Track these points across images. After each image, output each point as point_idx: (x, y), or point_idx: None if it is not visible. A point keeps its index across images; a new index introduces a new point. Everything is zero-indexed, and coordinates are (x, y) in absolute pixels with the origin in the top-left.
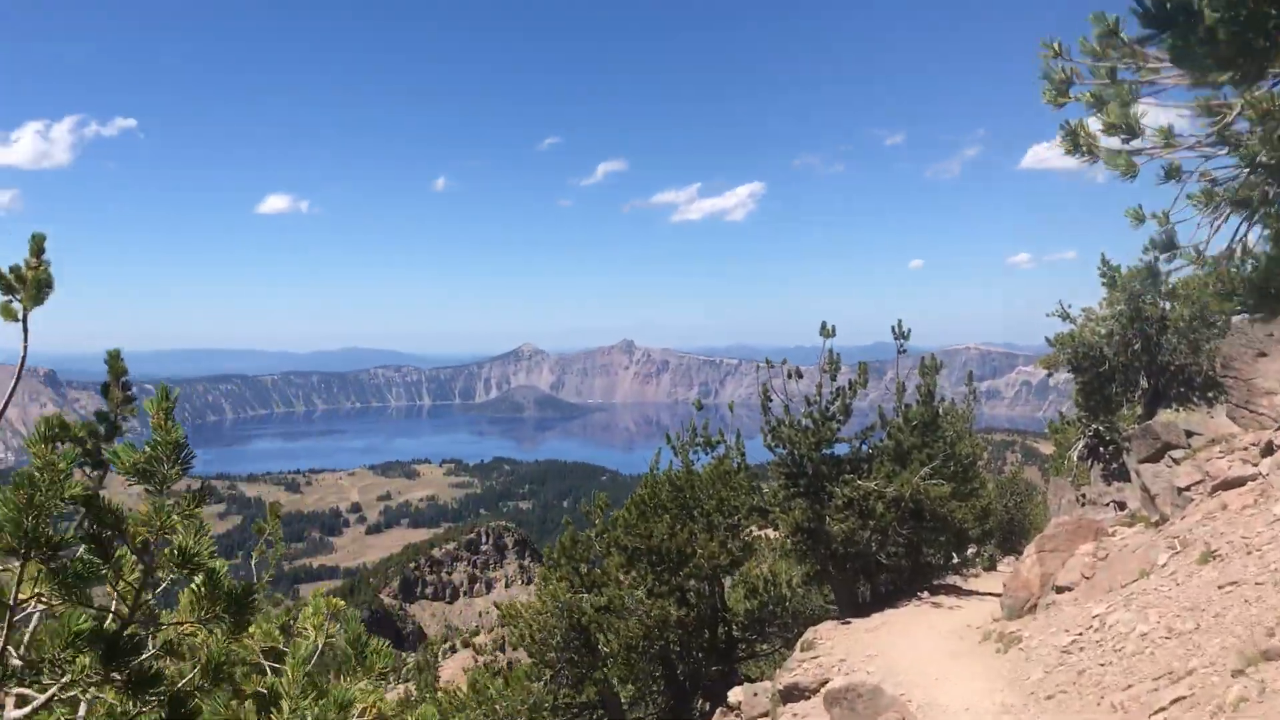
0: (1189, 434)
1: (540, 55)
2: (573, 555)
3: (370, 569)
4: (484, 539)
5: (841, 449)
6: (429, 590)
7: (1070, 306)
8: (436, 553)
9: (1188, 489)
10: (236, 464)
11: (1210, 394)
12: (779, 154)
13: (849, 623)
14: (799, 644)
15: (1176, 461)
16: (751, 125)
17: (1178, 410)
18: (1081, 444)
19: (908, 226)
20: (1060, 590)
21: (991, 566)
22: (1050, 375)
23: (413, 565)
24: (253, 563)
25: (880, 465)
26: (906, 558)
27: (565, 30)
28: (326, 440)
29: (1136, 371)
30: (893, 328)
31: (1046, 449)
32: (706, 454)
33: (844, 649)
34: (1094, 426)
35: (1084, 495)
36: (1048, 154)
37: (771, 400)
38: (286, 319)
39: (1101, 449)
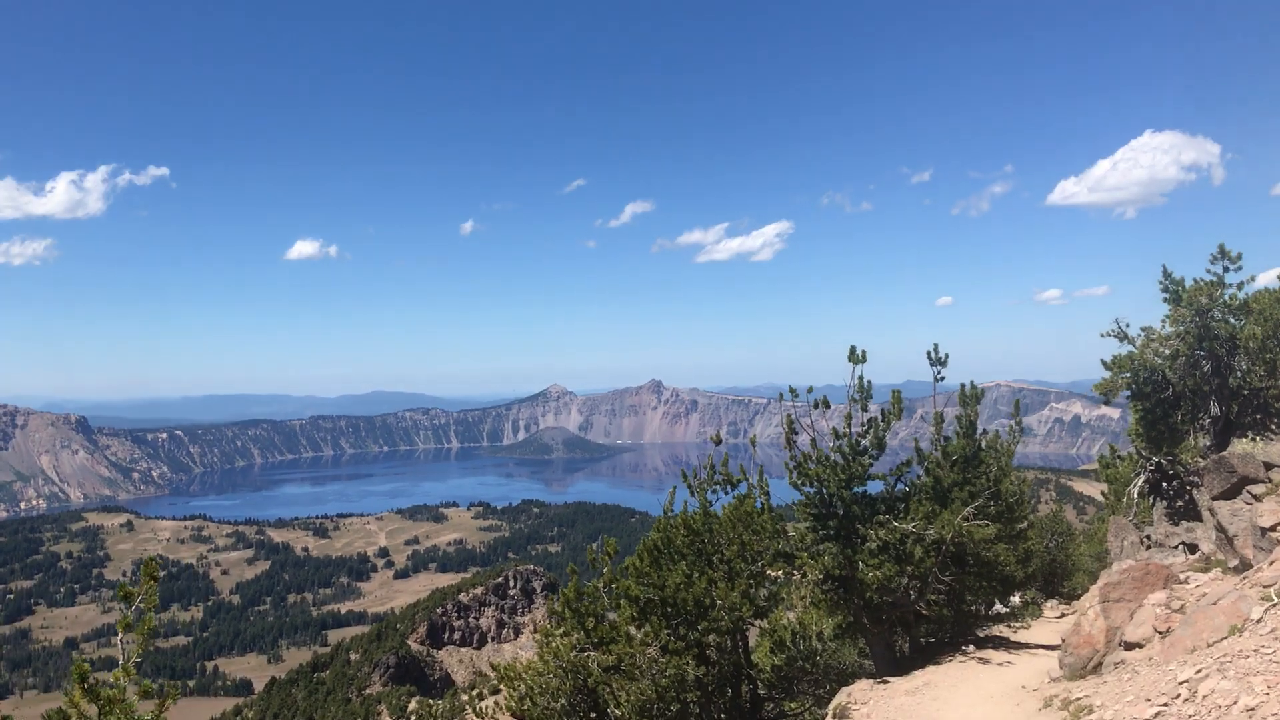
0: (1269, 466)
1: (566, 97)
2: (578, 609)
3: (398, 614)
4: (511, 583)
5: (875, 487)
6: (456, 636)
7: (1128, 326)
8: (464, 598)
9: (1273, 529)
10: (265, 509)
11: None
12: (805, 193)
13: (887, 682)
14: (831, 709)
15: (1257, 498)
16: (778, 164)
17: (1254, 440)
18: (1142, 479)
19: (936, 263)
20: (1130, 647)
21: (1038, 614)
22: (1088, 410)
23: (440, 611)
24: (118, 639)
25: (918, 505)
26: (948, 607)
27: (591, 72)
28: (354, 484)
29: (1205, 397)
30: (928, 353)
31: (1082, 487)
32: (726, 494)
33: (882, 716)
34: (1155, 460)
35: (1149, 537)
36: (1075, 189)
37: (797, 434)
38: (314, 363)
39: (1165, 484)
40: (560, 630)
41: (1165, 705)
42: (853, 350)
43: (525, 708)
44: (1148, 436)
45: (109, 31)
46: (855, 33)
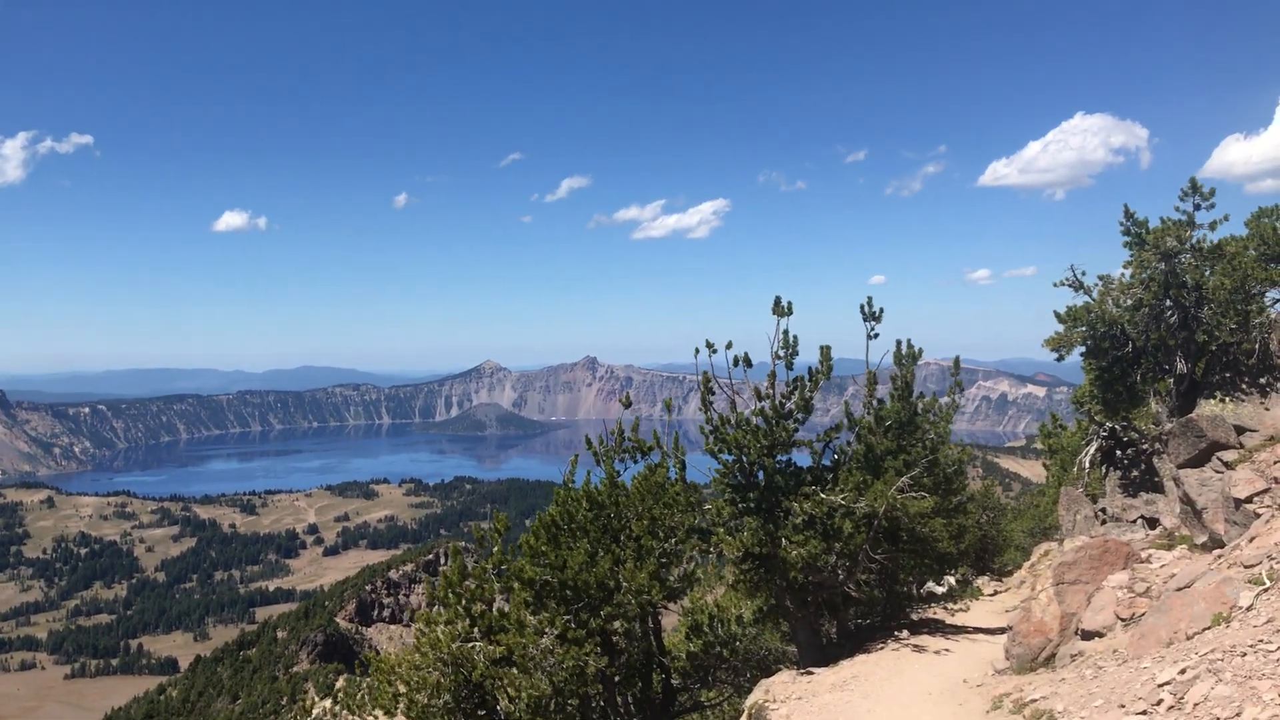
0: (1240, 430)
1: (502, 71)
2: (462, 593)
3: (327, 592)
4: (443, 560)
5: (801, 457)
6: (386, 613)
7: (1083, 274)
8: (394, 575)
9: (1249, 500)
10: (191, 485)
11: (1264, 380)
12: (742, 171)
13: (811, 674)
14: (746, 709)
15: (1228, 465)
16: (716, 142)
17: (1223, 401)
18: (1094, 447)
19: (869, 243)
20: (1089, 636)
21: (979, 595)
22: (1015, 388)
23: (369, 588)
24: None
25: (848, 475)
26: (880, 587)
27: (526, 46)
28: (283, 461)
29: (1170, 353)
30: (861, 307)
31: (1009, 464)
32: (637, 463)
33: (803, 719)
34: (1109, 425)
35: (1104, 510)
36: (1006, 170)
37: (714, 394)
38: (242, 337)
39: (1119, 452)
40: (444, 618)
41: (1145, 714)
42: (777, 301)
43: (401, 708)
44: (1103, 399)
45: None
46: (792, 13)
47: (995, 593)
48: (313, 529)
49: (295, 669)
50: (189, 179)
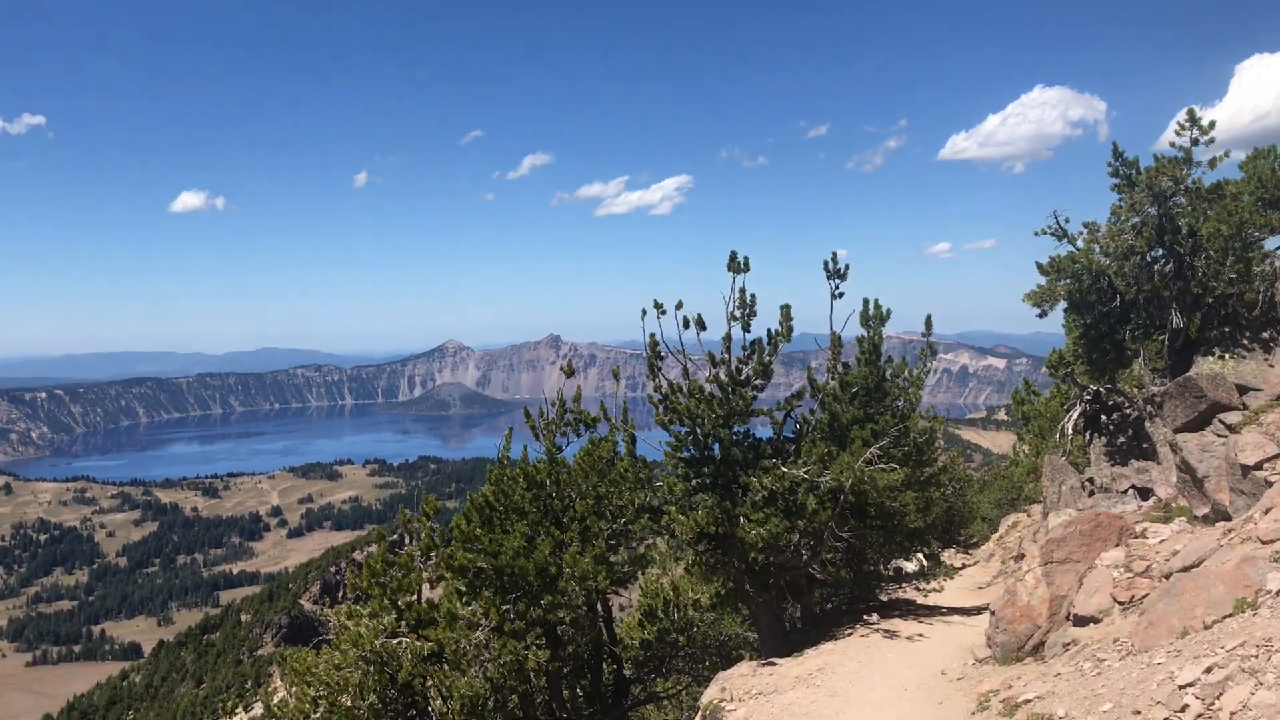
0: (1243, 389)
1: (462, 46)
2: (387, 583)
3: (291, 574)
4: (408, 539)
5: (761, 428)
6: (351, 595)
7: (1067, 221)
8: (358, 555)
9: (1258, 467)
10: (151, 469)
11: (1268, 335)
12: (705, 147)
13: (773, 665)
14: (701, 708)
15: (1231, 428)
16: (678, 117)
17: (1222, 358)
18: (1077, 412)
19: (831, 217)
20: (1082, 622)
21: (953, 573)
22: (975, 361)
23: (334, 569)
24: None
25: (811, 446)
26: (847, 567)
27: (486, 24)
28: (244, 443)
29: (1164, 306)
30: (825, 263)
31: (970, 435)
32: (581, 437)
33: (765, 717)
34: (1093, 388)
35: (1091, 480)
36: (966, 144)
37: (663, 359)
38: (202, 319)
39: (1104, 417)
40: (367, 611)
41: None
42: (733, 257)
43: (319, 714)
44: (1088, 358)
45: None
46: None
47: (963, 566)
48: (276, 511)
49: (260, 652)
50: (145, 159)
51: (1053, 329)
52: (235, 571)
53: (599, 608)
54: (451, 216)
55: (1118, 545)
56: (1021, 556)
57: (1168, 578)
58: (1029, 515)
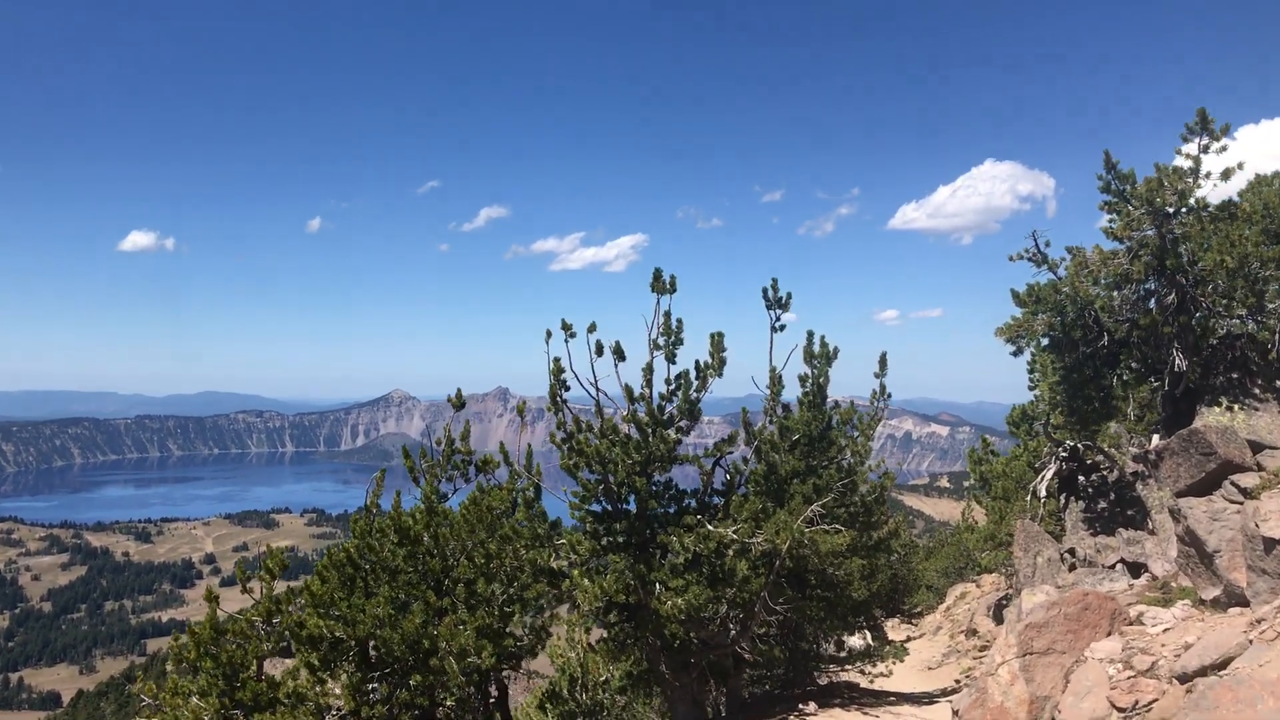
0: (1256, 447)
1: (422, 97)
2: (219, 654)
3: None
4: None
5: (685, 477)
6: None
7: (1048, 245)
8: (292, 607)
9: None
10: (83, 511)
11: None
12: (661, 207)
13: None
14: None
15: (1247, 493)
16: (635, 176)
17: (1230, 409)
18: (1051, 471)
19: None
20: None
21: (903, 655)
22: (919, 427)
23: None
24: None
25: (744, 501)
26: (781, 645)
27: (448, 72)
28: (181, 488)
29: (1164, 345)
30: (765, 290)
31: (913, 501)
32: (469, 483)
33: None
34: (1070, 444)
35: (1072, 552)
36: (915, 214)
37: (568, 389)
38: (143, 361)
39: (1083, 478)
40: (195, 687)
41: None
42: (657, 275)
43: None
44: (1068, 407)
45: None
46: (712, 54)
47: (908, 638)
48: (210, 558)
49: None
50: (96, 196)
51: (996, 398)
52: (165, 619)
53: (494, 686)
54: (404, 265)
55: (1110, 633)
56: (974, 632)
57: (1183, 680)
58: (978, 586)
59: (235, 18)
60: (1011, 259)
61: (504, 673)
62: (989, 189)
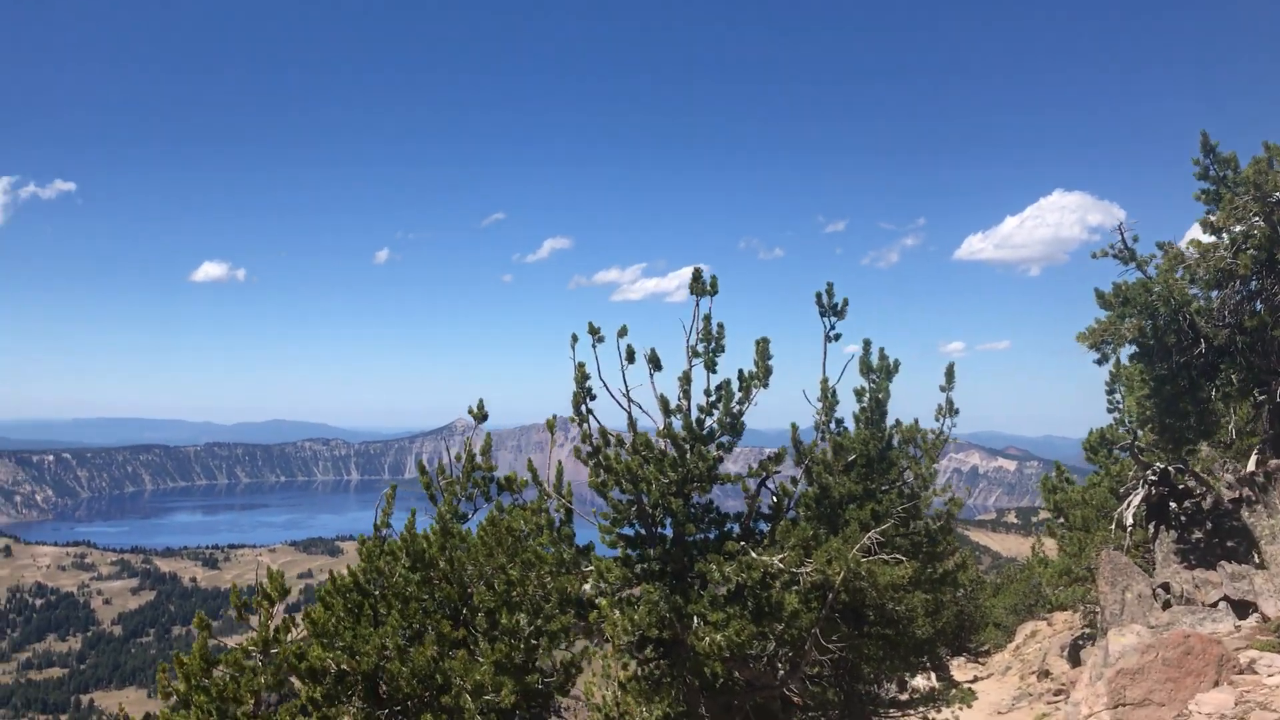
0: None
1: (487, 130)
2: (210, 688)
3: None
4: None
5: (728, 499)
6: None
7: (1135, 240)
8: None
9: None
10: (153, 537)
11: None
12: (723, 237)
13: None
14: None
15: None
16: (698, 207)
17: None
18: (1139, 497)
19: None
20: None
21: (971, 700)
22: (985, 461)
23: None
24: None
25: (793, 528)
26: (835, 688)
27: (512, 107)
28: (248, 514)
29: (1276, 352)
30: (819, 295)
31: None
32: (490, 502)
33: None
34: (1158, 466)
35: (1166, 587)
36: (982, 245)
37: (593, 396)
38: (213, 389)
39: (1174, 505)
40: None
41: None
42: (697, 275)
43: None
44: (1160, 424)
45: (15, 37)
46: (775, 80)
47: (975, 678)
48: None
49: None
50: (171, 228)
51: (1064, 432)
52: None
53: None
54: (469, 296)
55: (1218, 683)
56: (1047, 673)
57: None
58: (1049, 624)
59: (307, 55)
60: (1095, 256)
61: (533, 711)
62: (1057, 219)
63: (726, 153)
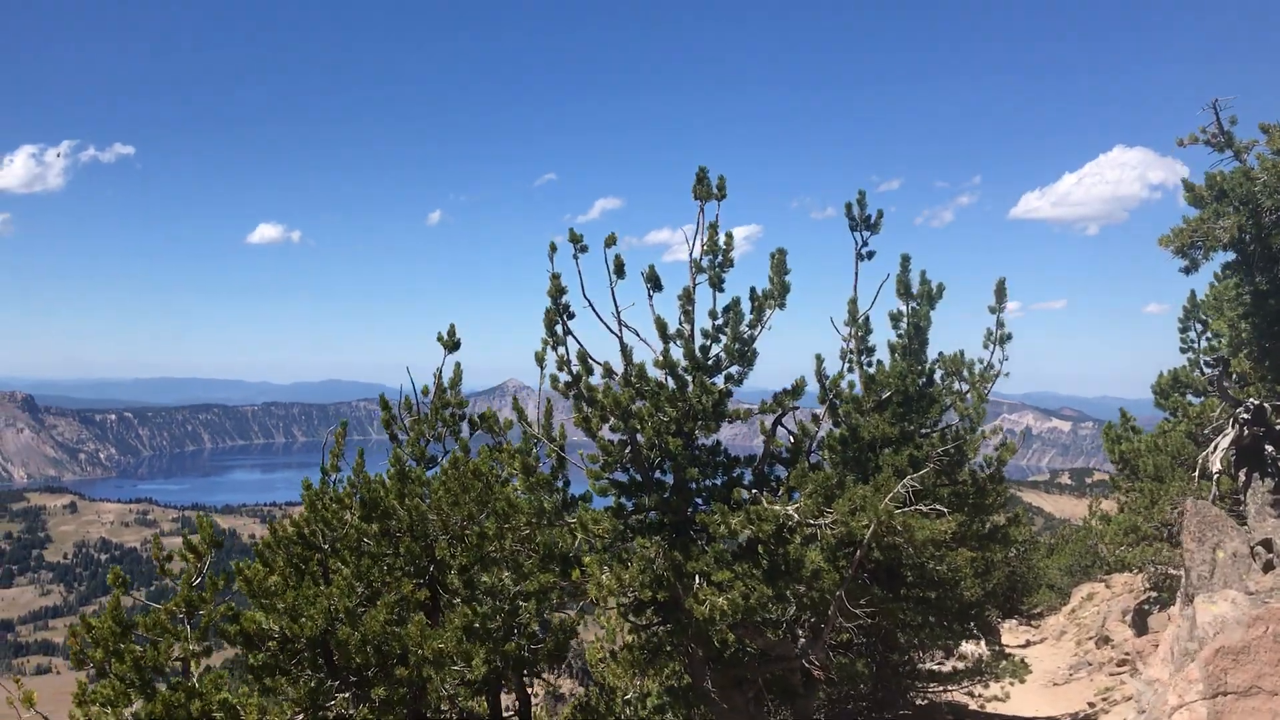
0: None
1: (539, 92)
2: (129, 653)
3: None
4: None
5: (737, 441)
6: None
7: (1233, 122)
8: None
9: None
10: (212, 494)
11: None
12: (776, 196)
13: None
14: None
15: None
16: (750, 167)
17: None
18: (1229, 439)
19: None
20: None
21: (1024, 674)
22: (1039, 422)
23: None
24: None
25: (814, 474)
26: (866, 658)
27: (565, 68)
28: (305, 472)
29: None
30: (848, 206)
31: (1031, 498)
32: (456, 443)
33: None
34: (1251, 403)
35: (1268, 545)
36: (1039, 203)
37: (571, 315)
38: (270, 349)
39: (1269, 448)
40: (100, 696)
41: None
42: (700, 177)
43: None
44: (1259, 349)
45: (78, 7)
46: (830, 40)
47: (1027, 643)
48: None
49: None
50: (227, 191)
51: (1121, 393)
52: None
53: (516, 695)
54: (520, 257)
55: None
56: (1107, 640)
57: None
58: (1108, 586)
59: (362, 21)
60: (1181, 143)
61: (517, 681)
62: (1117, 176)
63: (779, 111)
